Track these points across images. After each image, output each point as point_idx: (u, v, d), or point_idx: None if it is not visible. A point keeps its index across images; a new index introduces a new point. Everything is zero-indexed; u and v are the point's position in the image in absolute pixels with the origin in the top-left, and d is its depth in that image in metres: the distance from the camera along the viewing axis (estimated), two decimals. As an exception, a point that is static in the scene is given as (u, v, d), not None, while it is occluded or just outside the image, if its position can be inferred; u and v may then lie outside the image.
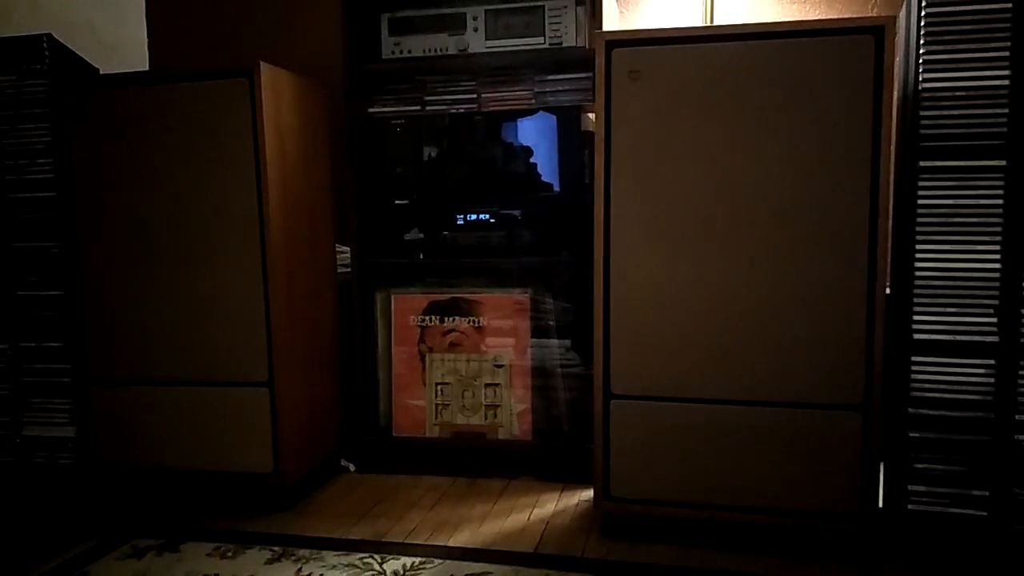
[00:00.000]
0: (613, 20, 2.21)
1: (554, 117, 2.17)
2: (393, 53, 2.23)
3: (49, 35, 1.99)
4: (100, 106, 1.96)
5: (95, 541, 1.84)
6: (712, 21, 2.27)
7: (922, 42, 1.53)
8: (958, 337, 1.56)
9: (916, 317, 1.57)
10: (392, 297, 2.30)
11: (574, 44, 2.11)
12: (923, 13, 1.52)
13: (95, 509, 2.04)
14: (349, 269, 2.29)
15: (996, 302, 1.53)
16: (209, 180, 1.93)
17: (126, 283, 1.99)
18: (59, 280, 2.02)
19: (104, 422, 2.04)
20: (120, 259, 1.99)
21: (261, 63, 1.88)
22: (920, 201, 1.55)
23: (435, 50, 2.19)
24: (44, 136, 1.99)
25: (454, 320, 2.26)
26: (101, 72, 2.14)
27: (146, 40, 2.77)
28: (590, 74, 2.04)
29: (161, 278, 1.97)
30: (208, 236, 1.94)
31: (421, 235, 2.28)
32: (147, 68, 2.73)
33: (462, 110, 2.22)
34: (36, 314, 2.04)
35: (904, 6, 1.65)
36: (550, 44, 2.13)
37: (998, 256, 1.52)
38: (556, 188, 2.19)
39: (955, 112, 1.53)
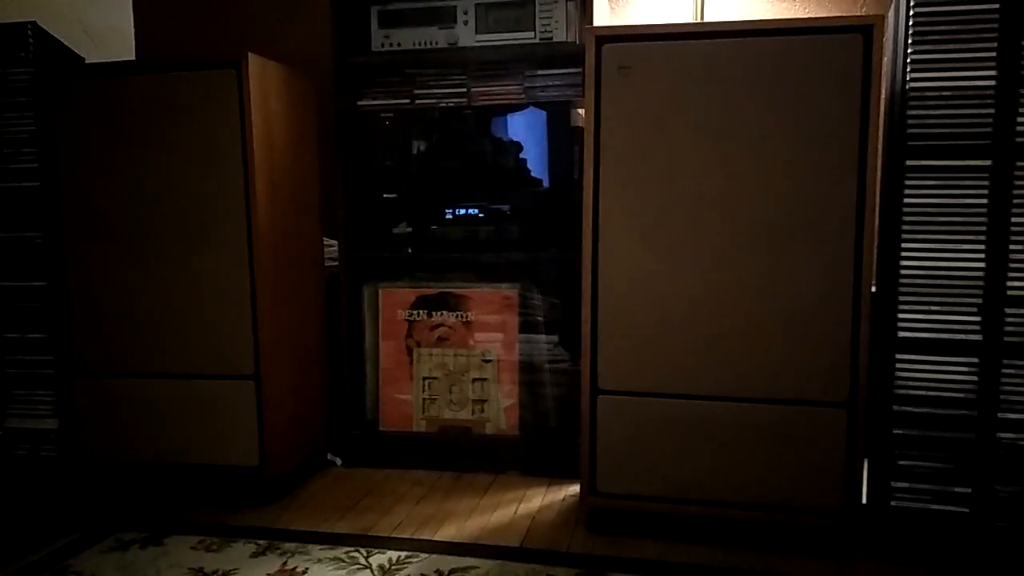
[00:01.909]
0: (603, 15, 2.21)
1: (544, 112, 2.17)
2: (383, 46, 2.21)
3: (34, 23, 1.96)
4: (85, 95, 1.94)
5: (78, 534, 1.83)
6: (702, 18, 2.28)
7: (910, 41, 1.54)
8: (942, 335, 1.57)
9: (901, 315, 1.58)
10: (380, 291, 2.29)
11: (564, 39, 2.11)
12: (911, 13, 1.53)
13: (78, 502, 2.03)
14: (337, 262, 2.28)
15: (980, 301, 1.55)
16: (196, 172, 1.91)
17: (111, 274, 1.98)
18: (43, 271, 2.00)
19: (88, 414, 2.03)
20: (105, 250, 1.97)
21: (249, 54, 1.86)
22: (906, 200, 1.56)
23: (425, 43, 2.18)
24: (28, 125, 1.97)
25: (442, 315, 2.25)
26: (87, 61, 2.12)
27: (133, 29, 2.74)
28: (580, 69, 2.04)
29: (146, 270, 1.96)
30: (194, 228, 1.93)
31: (409, 229, 2.27)
32: (133, 58, 2.70)
33: (451, 104, 2.21)
34: (19, 305, 2.02)
35: (892, 5, 1.66)
36: (540, 39, 2.12)
37: (982, 255, 1.54)
38: (545, 183, 2.19)
39: (942, 112, 1.54)
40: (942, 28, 1.52)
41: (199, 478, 2.02)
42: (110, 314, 1.99)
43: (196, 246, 1.93)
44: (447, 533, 1.81)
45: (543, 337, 2.21)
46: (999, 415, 1.56)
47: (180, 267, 1.94)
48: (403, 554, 1.69)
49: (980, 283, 1.54)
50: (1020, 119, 1.51)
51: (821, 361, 1.61)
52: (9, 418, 2.05)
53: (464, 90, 2.20)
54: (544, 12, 2.11)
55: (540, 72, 2.15)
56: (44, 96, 1.96)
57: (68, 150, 1.97)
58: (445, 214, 2.23)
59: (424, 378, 2.27)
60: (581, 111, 2.08)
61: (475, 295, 2.23)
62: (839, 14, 2.26)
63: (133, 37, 2.74)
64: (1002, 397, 1.55)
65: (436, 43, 2.18)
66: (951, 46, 1.52)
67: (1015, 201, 1.52)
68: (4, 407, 2.05)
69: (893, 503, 1.62)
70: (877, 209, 1.61)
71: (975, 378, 1.56)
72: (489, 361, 2.23)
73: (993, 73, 1.51)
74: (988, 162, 1.52)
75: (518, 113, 2.20)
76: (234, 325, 1.93)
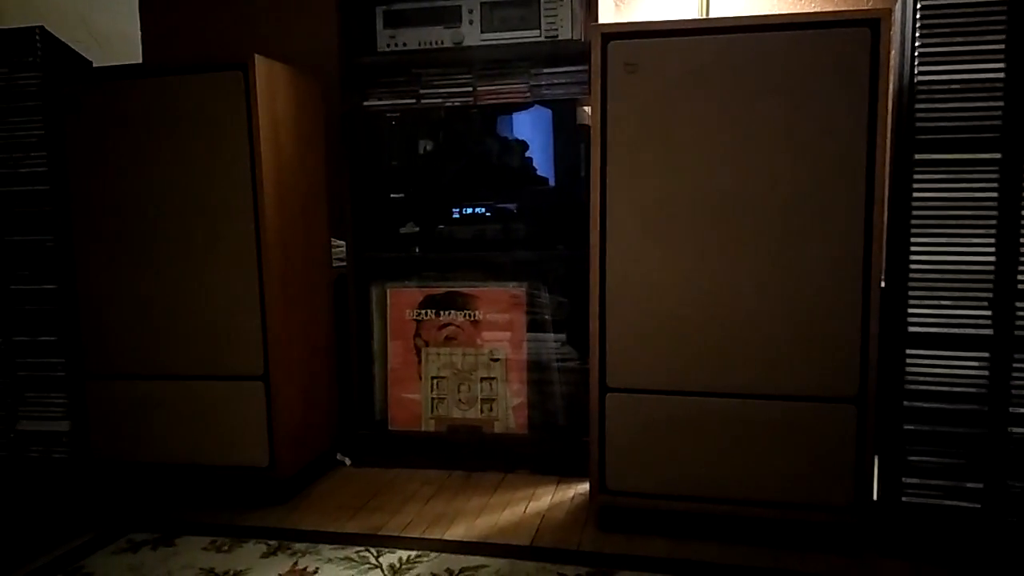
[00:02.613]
0: (609, 12, 2.21)
1: (549, 110, 2.16)
2: (388, 46, 2.22)
3: (41, 27, 1.97)
4: (94, 99, 1.95)
5: (90, 535, 1.84)
6: (708, 13, 2.27)
7: (918, 35, 1.53)
8: (952, 330, 1.56)
9: (911, 310, 1.58)
10: (388, 291, 2.30)
11: (570, 37, 2.10)
12: (919, 6, 1.52)
13: (90, 503, 2.04)
14: (344, 263, 2.29)
15: (990, 295, 1.54)
16: (204, 173, 1.92)
17: (121, 277, 1.99)
18: (53, 274, 2.01)
19: (99, 416, 2.04)
20: (115, 253, 1.98)
21: (256, 56, 1.87)
22: (915, 194, 1.55)
23: (430, 43, 2.19)
24: (37, 129, 1.98)
25: (450, 314, 2.25)
26: (94, 65, 2.13)
27: (139, 33, 2.75)
28: (586, 67, 2.03)
29: (156, 272, 1.97)
30: (203, 230, 1.93)
31: (417, 229, 2.27)
32: (140, 61, 2.71)
33: (457, 103, 2.21)
34: (30, 308, 2.03)
35: (900, -1, 1.65)
36: (546, 37, 2.12)
37: (992, 249, 1.53)
38: (552, 182, 2.18)
39: (950, 105, 1.53)
40: (950, 21, 1.51)
41: (209, 479, 2.02)
42: (120, 316, 2.00)
43: (205, 248, 1.94)
44: (457, 532, 1.81)
45: (551, 335, 2.21)
46: (1010, 410, 1.55)
47: (189, 269, 1.95)
48: (413, 553, 1.69)
49: (990, 277, 1.53)
50: (1029, 111, 1.50)
51: (830, 357, 1.61)
52: (21, 420, 2.07)
53: (470, 89, 2.20)
54: (549, 10, 2.11)
55: (546, 70, 2.15)
56: (53, 100, 1.97)
57: (77, 153, 1.98)
58: (452, 213, 2.23)
59: (432, 377, 2.27)
60: (587, 109, 2.08)
61: (483, 294, 2.23)
62: (846, 8, 2.25)
63: (140, 41, 2.75)
64: (1013, 392, 1.54)
65: (441, 42, 2.18)
66: (959, 39, 1.51)
67: (1025, 194, 1.51)
68: (16, 410, 2.07)
69: (904, 499, 1.62)
70: (886, 203, 1.60)
71: (986, 373, 1.55)
72: (497, 360, 2.23)
73: (1002, 65, 1.50)
74: (998, 155, 1.51)
75: (524, 112, 2.19)
76: (243, 326, 1.94)
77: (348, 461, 2.32)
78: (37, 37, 1.96)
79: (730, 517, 1.72)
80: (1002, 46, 1.50)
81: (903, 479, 1.61)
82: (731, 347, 1.66)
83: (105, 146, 1.96)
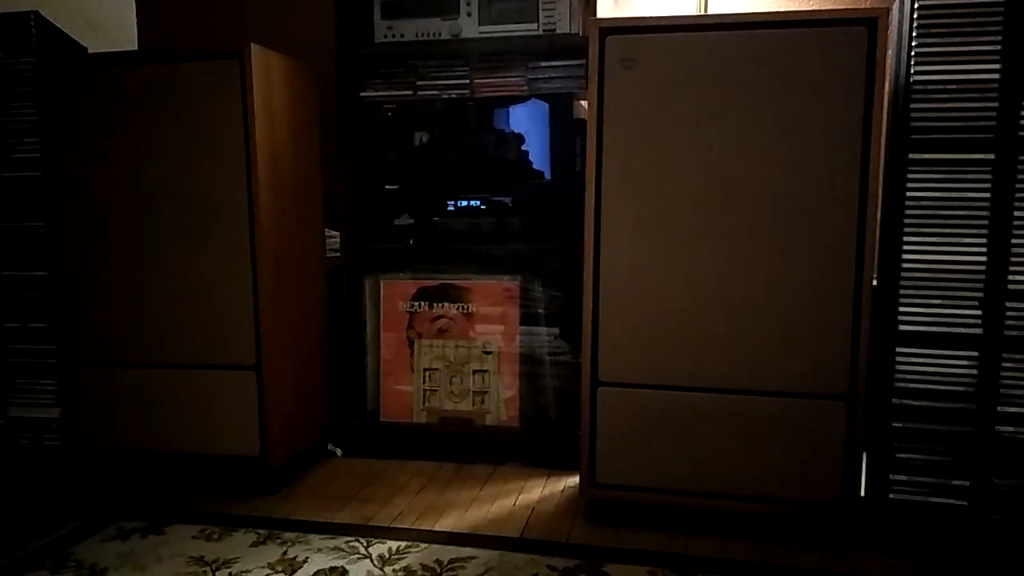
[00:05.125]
0: (607, 7, 2.21)
1: (546, 104, 2.16)
2: (385, 37, 2.21)
3: (36, 13, 1.96)
4: (88, 86, 1.94)
5: (80, 522, 1.84)
6: (706, 10, 2.27)
7: (914, 34, 1.53)
8: (943, 329, 1.57)
9: (902, 308, 1.58)
10: (381, 282, 2.30)
11: (568, 31, 2.10)
12: (916, 5, 1.52)
13: (80, 490, 2.03)
14: (338, 254, 2.29)
15: (981, 294, 1.55)
16: (198, 162, 1.91)
17: (113, 264, 1.98)
18: (45, 261, 2.00)
19: (89, 404, 2.03)
20: (107, 240, 1.98)
21: (252, 45, 1.86)
22: (909, 193, 1.56)
23: (428, 34, 2.18)
24: (31, 115, 1.97)
25: (443, 306, 2.26)
26: (89, 51, 2.12)
27: (135, 19, 2.73)
28: (583, 61, 2.03)
29: (148, 260, 1.96)
30: (196, 219, 1.93)
31: (411, 221, 2.27)
32: (136, 48, 2.70)
33: (454, 95, 2.21)
34: (21, 294, 2.02)
35: (897, -2, 1.66)
36: (543, 30, 2.12)
37: (984, 249, 1.54)
38: (547, 175, 2.19)
39: (946, 105, 1.53)
40: (947, 21, 1.52)
41: (200, 467, 2.02)
42: (112, 304, 1.99)
43: (198, 236, 1.93)
44: (447, 523, 1.82)
45: (544, 329, 2.22)
46: (998, 408, 1.56)
47: (182, 257, 1.94)
48: (403, 544, 1.70)
49: (981, 277, 1.54)
50: None
51: (821, 354, 1.62)
52: (11, 407, 2.06)
53: (467, 81, 2.20)
54: (547, 4, 2.10)
55: (543, 64, 2.15)
56: (47, 86, 1.96)
57: (70, 140, 1.97)
58: (447, 206, 2.23)
59: (425, 369, 2.27)
60: (584, 103, 2.08)
61: (476, 287, 2.23)
62: (844, 6, 2.26)
63: (135, 27, 2.74)
64: (1001, 391, 1.56)
65: (439, 34, 2.17)
66: (955, 39, 1.52)
67: (1017, 195, 1.52)
68: (6, 396, 2.06)
69: (892, 496, 1.63)
70: (879, 202, 1.60)
71: (975, 372, 1.56)
72: (490, 353, 2.23)
73: (997, 67, 1.51)
74: (991, 156, 1.52)
75: (520, 105, 2.19)
76: (236, 316, 1.93)
77: (339, 452, 2.32)
78: (32, 22, 1.95)
79: (719, 512, 1.73)
80: (998, 47, 1.50)
81: (891, 476, 1.62)
82: (722, 343, 1.66)
83: (99, 133, 1.95)
